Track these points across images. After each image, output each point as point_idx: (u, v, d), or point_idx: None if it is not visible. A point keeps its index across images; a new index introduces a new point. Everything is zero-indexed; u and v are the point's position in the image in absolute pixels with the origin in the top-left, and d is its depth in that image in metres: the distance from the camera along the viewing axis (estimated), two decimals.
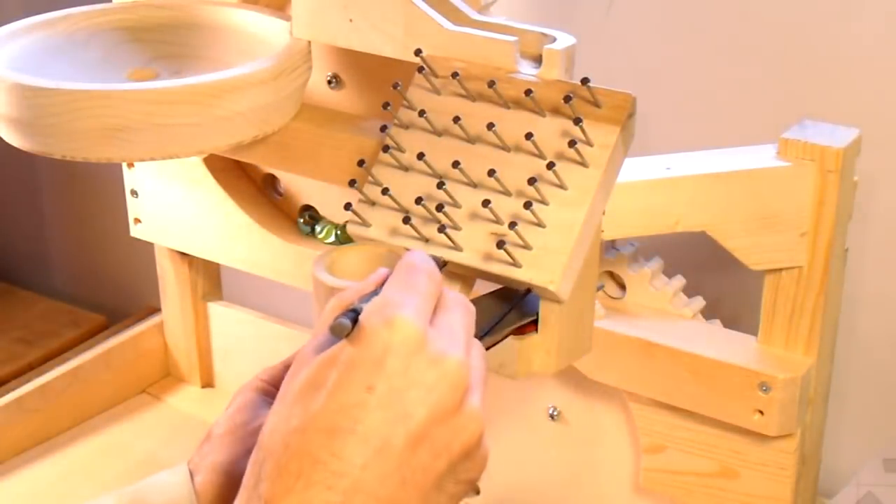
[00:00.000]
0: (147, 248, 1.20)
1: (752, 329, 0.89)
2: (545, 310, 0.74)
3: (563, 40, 0.80)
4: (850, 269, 0.87)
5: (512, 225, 0.72)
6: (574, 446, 1.00)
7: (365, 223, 0.78)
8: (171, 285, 1.21)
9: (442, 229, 0.74)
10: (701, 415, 0.89)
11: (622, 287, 0.92)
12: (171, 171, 1.10)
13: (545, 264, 0.72)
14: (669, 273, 0.93)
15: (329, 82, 1.01)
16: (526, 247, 0.73)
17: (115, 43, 0.96)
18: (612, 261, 0.91)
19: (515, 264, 0.73)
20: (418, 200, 0.75)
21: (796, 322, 0.85)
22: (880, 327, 1.00)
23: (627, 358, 0.89)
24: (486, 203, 0.73)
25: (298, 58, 0.88)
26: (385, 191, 0.77)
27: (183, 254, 1.18)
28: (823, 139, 0.81)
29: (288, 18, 0.93)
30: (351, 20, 0.86)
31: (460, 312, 0.60)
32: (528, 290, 0.74)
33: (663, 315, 0.91)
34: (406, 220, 0.75)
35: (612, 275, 0.92)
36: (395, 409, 0.55)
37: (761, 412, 0.85)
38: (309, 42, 0.90)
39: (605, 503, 1.00)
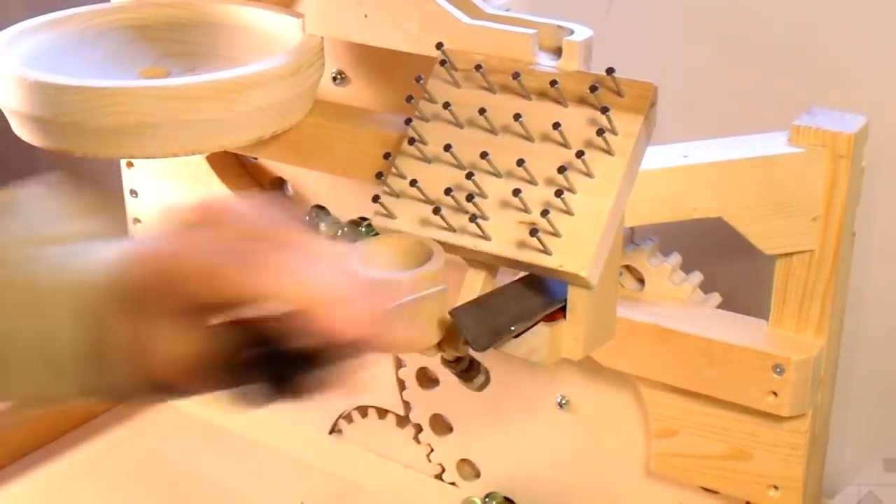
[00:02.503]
0: None
1: (760, 317, 0.91)
2: (573, 296, 0.76)
3: (581, 32, 0.81)
4: (856, 255, 0.90)
5: (545, 213, 0.73)
6: (584, 434, 1.02)
7: (391, 215, 0.79)
8: None
9: (473, 219, 0.75)
10: (713, 398, 0.90)
11: (640, 281, 0.93)
12: (172, 171, 1.10)
13: (575, 251, 0.74)
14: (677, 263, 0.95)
15: (334, 79, 1.02)
16: (556, 234, 0.74)
17: (124, 42, 0.96)
18: (630, 255, 0.92)
19: (546, 252, 0.74)
20: (447, 191, 0.76)
21: (807, 305, 0.87)
22: (883, 327, 1.02)
23: (642, 344, 0.90)
24: (516, 192, 0.75)
25: (313, 54, 0.89)
26: (413, 182, 0.78)
27: None
28: (834, 125, 0.83)
29: (296, 15, 0.94)
30: (366, 16, 0.87)
31: None
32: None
33: (674, 302, 0.93)
34: (436, 211, 0.76)
35: (629, 269, 0.93)
36: None
37: (775, 394, 0.87)
38: (322, 38, 0.91)
39: (617, 489, 1.02)
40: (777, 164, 0.83)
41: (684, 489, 0.98)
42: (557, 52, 0.82)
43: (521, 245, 0.75)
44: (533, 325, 0.76)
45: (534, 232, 0.73)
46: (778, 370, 0.86)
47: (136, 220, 1.15)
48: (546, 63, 0.81)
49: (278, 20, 0.95)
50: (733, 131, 0.89)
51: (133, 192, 1.14)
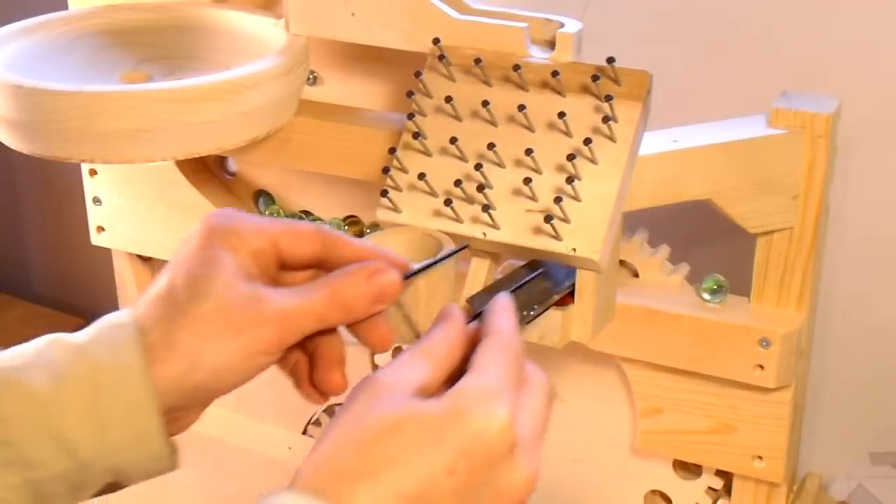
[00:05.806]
0: None
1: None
2: (582, 280, 0.78)
3: (572, 24, 0.84)
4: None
5: (557, 200, 0.75)
6: (567, 418, 1.04)
7: (397, 209, 0.81)
8: (132, 291, 1.20)
9: (486, 209, 0.77)
10: (697, 375, 0.93)
11: (634, 275, 0.96)
12: (136, 179, 1.09)
13: (586, 236, 0.76)
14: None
15: (307, 79, 1.02)
16: (566, 220, 0.76)
17: (99, 47, 0.95)
18: (622, 247, 0.94)
19: (557, 238, 0.76)
20: (457, 183, 0.78)
21: (788, 280, 0.91)
22: (861, 326, 1.06)
23: (630, 326, 0.93)
24: (527, 181, 0.76)
25: (301, 53, 0.89)
26: (421, 176, 0.79)
27: (144, 258, 1.17)
28: (811, 107, 0.86)
29: (273, 16, 0.94)
30: (353, 14, 0.88)
31: (542, 401, 0.58)
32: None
33: (657, 284, 0.96)
34: (448, 203, 0.78)
35: (621, 261, 0.95)
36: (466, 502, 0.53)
37: (762, 367, 0.90)
38: (306, 38, 0.91)
39: (603, 469, 1.04)
40: (761, 146, 0.86)
41: (665, 469, 1.01)
42: (547, 44, 0.84)
43: (535, 232, 0.77)
44: (545, 310, 0.78)
45: (548, 219, 0.75)
46: (764, 344, 0.89)
47: (100, 229, 1.14)
48: (538, 55, 0.83)
49: (256, 22, 0.95)
50: (704, 117, 0.92)
51: (96, 200, 1.13)
